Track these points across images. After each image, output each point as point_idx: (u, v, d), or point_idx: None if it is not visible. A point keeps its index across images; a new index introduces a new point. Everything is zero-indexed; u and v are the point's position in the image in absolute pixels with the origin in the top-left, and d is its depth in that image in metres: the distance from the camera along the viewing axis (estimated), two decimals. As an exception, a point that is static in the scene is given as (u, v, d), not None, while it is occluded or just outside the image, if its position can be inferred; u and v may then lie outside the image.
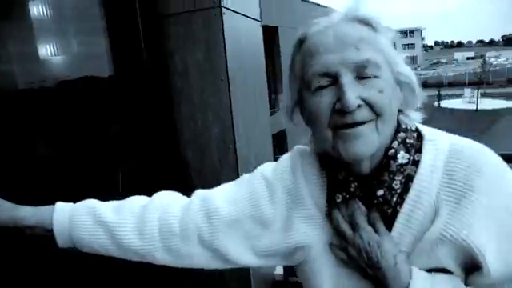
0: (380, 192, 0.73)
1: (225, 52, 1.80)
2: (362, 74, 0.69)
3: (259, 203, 0.86)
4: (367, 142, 0.69)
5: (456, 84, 39.08)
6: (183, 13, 1.84)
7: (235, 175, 1.74)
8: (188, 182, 1.94)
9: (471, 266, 0.71)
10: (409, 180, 0.73)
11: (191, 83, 1.89)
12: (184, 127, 1.94)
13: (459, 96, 29.79)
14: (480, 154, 0.73)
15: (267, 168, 0.91)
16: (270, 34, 9.25)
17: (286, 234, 0.84)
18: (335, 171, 0.79)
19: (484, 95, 28.91)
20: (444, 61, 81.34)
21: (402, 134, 0.75)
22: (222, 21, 1.78)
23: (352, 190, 0.77)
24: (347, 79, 0.68)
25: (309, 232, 0.82)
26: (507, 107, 25.45)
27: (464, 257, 0.70)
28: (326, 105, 0.70)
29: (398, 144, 0.74)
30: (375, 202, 0.74)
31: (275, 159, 0.96)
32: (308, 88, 0.73)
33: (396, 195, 0.73)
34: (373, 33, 0.72)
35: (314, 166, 0.84)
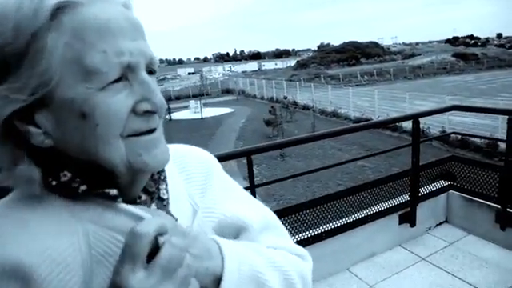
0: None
1: None
2: (150, 70, 0.57)
3: None
4: (166, 149, 0.59)
5: (182, 97, 41.68)
6: None
7: None
8: None
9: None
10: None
11: None
12: None
13: (186, 107, 31.70)
14: (196, 150, 0.80)
15: None
16: None
17: None
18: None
19: (206, 105, 31.71)
20: (170, 76, 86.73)
21: None
22: None
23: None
24: (146, 74, 0.55)
25: None
26: (225, 113, 29.06)
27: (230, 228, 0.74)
28: (124, 106, 0.52)
29: None
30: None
31: None
32: (88, 81, 0.50)
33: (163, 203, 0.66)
34: None
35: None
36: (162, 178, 0.67)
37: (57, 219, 0.55)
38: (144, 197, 0.62)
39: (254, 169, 2.71)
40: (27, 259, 0.51)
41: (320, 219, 3.14)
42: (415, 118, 3.51)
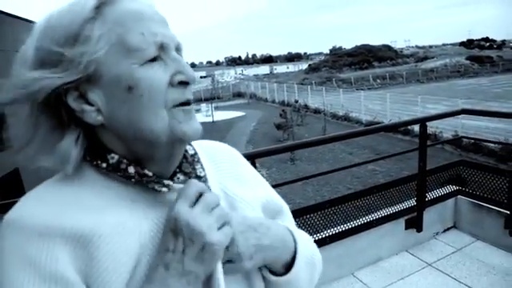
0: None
1: None
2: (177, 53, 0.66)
3: None
4: (198, 122, 0.66)
5: (194, 100, 40.13)
6: None
7: None
8: None
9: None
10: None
11: None
12: None
13: (198, 111, 31.73)
14: (221, 143, 0.89)
15: None
16: None
17: None
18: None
19: (217, 108, 31.84)
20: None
21: None
22: None
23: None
24: (176, 53, 0.64)
25: None
26: (236, 116, 29.13)
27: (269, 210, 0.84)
28: (164, 78, 0.61)
29: None
30: None
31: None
32: (131, 58, 0.59)
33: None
34: None
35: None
36: (196, 159, 0.74)
37: (106, 196, 0.64)
38: (182, 177, 0.70)
39: (263, 172, 2.71)
40: (87, 225, 0.59)
41: (325, 223, 3.13)
42: (422, 121, 3.47)
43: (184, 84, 0.63)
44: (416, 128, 14.83)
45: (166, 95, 0.61)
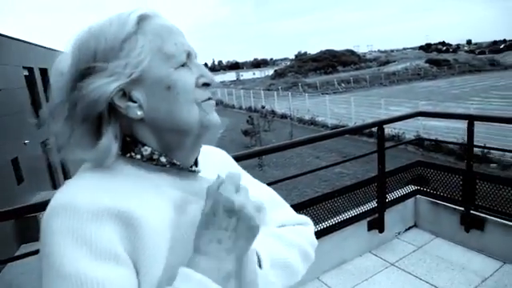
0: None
1: None
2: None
3: None
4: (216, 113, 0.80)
5: None
6: None
7: None
8: None
9: None
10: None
11: None
12: None
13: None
14: (212, 147, 1.01)
15: None
16: None
17: None
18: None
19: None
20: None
21: None
22: None
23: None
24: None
25: None
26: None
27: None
28: (192, 80, 0.75)
29: None
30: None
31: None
32: (168, 63, 0.73)
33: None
34: None
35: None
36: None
37: (139, 182, 0.74)
38: (198, 168, 0.83)
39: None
40: (130, 207, 0.68)
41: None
42: (380, 125, 3.57)
43: (206, 85, 0.77)
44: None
45: (194, 93, 0.74)
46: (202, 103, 0.75)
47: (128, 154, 0.75)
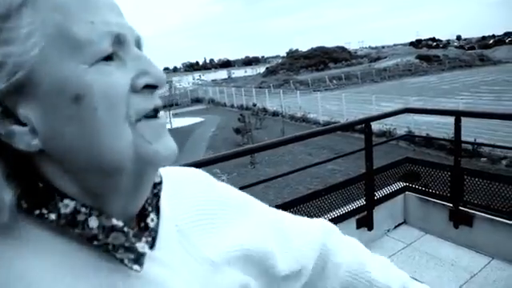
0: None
1: None
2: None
3: None
4: (171, 137, 0.50)
5: None
6: None
7: None
8: None
9: None
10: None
11: None
12: None
13: (155, 119, 31.36)
14: (193, 173, 0.69)
15: None
16: None
17: None
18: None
19: (175, 115, 31.43)
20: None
21: None
22: None
23: None
24: (137, 49, 0.48)
25: None
26: (195, 122, 28.99)
27: None
28: (123, 84, 0.44)
29: None
30: None
31: None
32: (78, 56, 0.42)
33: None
34: None
35: None
36: (158, 192, 0.55)
37: (57, 264, 0.44)
38: (155, 218, 0.53)
39: (224, 178, 2.68)
40: None
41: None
42: (367, 122, 3.56)
43: (150, 88, 0.47)
44: (374, 126, 15.36)
45: (127, 105, 0.44)
46: (138, 123, 0.45)
47: (37, 211, 0.44)
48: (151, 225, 0.52)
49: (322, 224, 0.82)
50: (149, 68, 0.47)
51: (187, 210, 0.60)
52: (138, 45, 0.49)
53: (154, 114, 0.47)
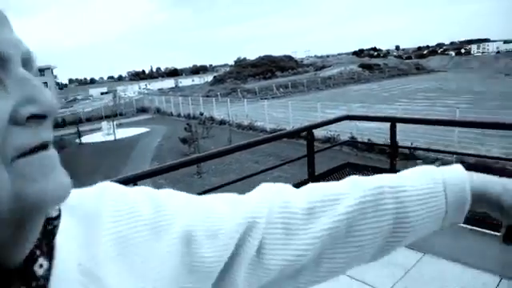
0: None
1: None
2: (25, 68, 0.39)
3: None
4: (66, 174, 0.40)
5: (94, 119, 39.78)
6: None
7: None
8: None
9: None
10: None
11: None
12: None
13: (99, 129, 30.26)
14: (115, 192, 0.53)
15: None
16: None
17: None
18: None
19: (120, 125, 30.54)
20: (81, 97, 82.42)
21: None
22: None
23: None
24: (24, 70, 0.38)
25: None
26: (141, 132, 28.44)
27: None
28: (0, 114, 0.35)
29: None
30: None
31: None
32: None
33: None
34: None
35: None
36: (53, 230, 0.44)
37: None
38: (45, 263, 0.41)
39: (170, 189, 2.64)
40: None
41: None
42: (309, 129, 3.64)
43: (37, 119, 0.37)
44: (320, 132, 15.84)
45: (5, 141, 0.35)
46: (20, 159, 0.36)
47: None
48: (39, 272, 0.40)
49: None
50: (36, 94, 0.37)
51: (97, 241, 0.47)
52: (27, 62, 0.39)
53: (41, 147, 0.38)
